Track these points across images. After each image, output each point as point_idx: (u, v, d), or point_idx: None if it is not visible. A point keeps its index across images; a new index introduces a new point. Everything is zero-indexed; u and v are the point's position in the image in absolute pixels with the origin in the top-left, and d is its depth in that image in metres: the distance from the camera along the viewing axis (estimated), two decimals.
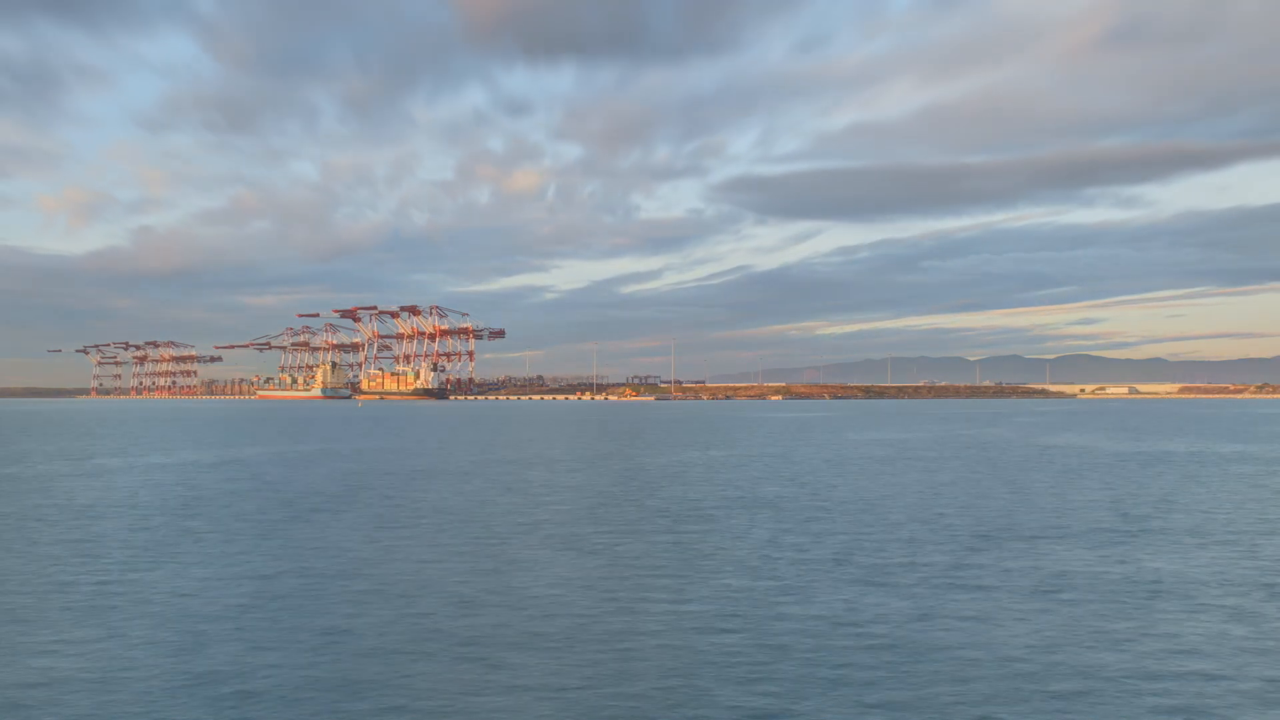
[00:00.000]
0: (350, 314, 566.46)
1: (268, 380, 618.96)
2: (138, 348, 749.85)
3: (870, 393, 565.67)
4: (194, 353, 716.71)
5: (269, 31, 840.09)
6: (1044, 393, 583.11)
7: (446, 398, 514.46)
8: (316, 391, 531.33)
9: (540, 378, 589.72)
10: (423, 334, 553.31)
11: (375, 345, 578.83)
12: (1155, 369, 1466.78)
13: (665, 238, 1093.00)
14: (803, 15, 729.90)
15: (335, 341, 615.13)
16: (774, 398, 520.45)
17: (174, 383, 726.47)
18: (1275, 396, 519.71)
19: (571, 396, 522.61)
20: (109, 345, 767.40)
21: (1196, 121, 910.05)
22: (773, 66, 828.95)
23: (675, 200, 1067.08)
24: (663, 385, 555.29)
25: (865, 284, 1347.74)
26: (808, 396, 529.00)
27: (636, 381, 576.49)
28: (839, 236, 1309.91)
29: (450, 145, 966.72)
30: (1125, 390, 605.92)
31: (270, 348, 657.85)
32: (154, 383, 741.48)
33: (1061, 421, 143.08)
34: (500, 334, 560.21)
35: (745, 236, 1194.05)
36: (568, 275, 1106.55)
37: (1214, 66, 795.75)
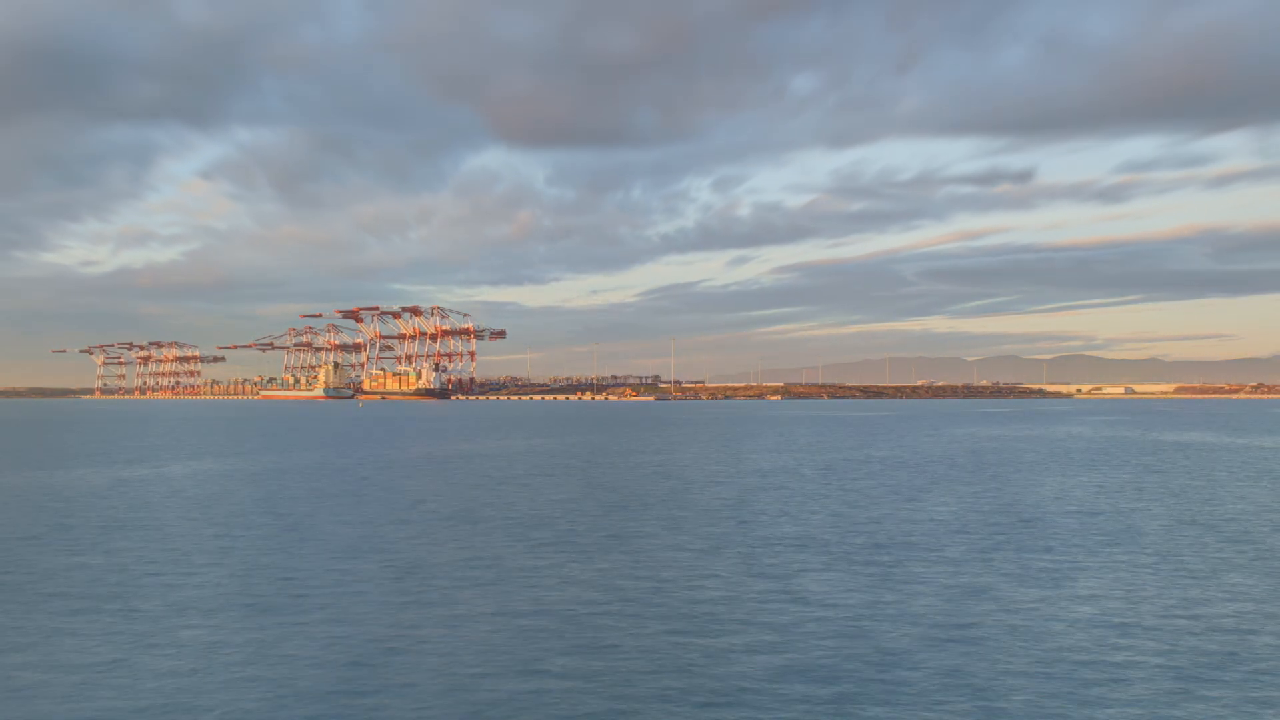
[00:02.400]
0: (352, 314, 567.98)
1: (270, 380, 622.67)
2: (141, 348, 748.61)
3: (869, 393, 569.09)
4: (197, 353, 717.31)
5: (332, 123, 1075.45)
6: (1041, 393, 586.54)
7: (448, 397, 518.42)
8: (319, 391, 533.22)
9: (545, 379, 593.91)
10: (424, 334, 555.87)
11: (377, 345, 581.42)
12: (1151, 369, 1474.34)
13: (649, 257, 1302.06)
14: (742, 116, 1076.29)
15: (337, 342, 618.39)
16: (773, 397, 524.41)
17: (177, 383, 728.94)
18: (1270, 397, 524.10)
19: (572, 396, 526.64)
20: (113, 345, 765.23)
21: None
22: (718, 145, 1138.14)
23: (653, 229, 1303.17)
24: (663, 385, 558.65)
25: (844, 291, 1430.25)
26: (806, 396, 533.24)
27: (636, 382, 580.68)
28: (805, 254, 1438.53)
29: (467, 194, 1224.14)
30: (1121, 390, 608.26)
31: (273, 348, 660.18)
32: (157, 383, 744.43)
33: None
34: (501, 334, 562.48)
35: (718, 256, 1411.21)
36: (565, 286, 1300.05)
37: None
